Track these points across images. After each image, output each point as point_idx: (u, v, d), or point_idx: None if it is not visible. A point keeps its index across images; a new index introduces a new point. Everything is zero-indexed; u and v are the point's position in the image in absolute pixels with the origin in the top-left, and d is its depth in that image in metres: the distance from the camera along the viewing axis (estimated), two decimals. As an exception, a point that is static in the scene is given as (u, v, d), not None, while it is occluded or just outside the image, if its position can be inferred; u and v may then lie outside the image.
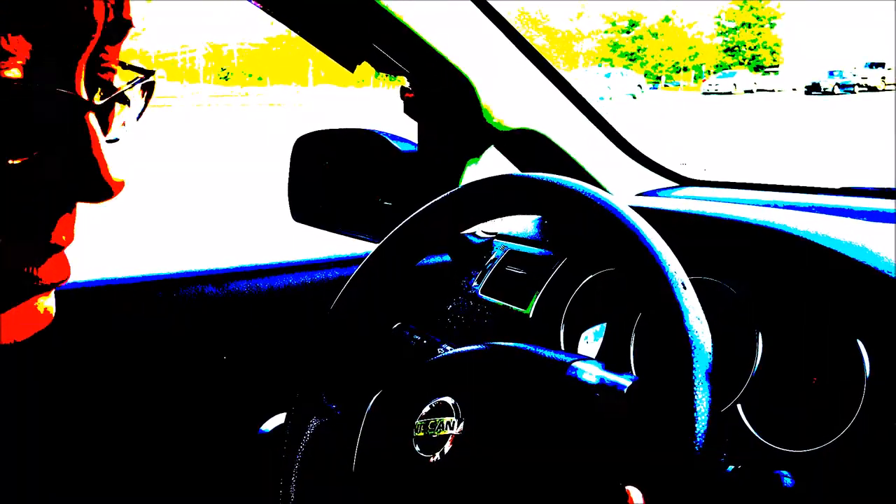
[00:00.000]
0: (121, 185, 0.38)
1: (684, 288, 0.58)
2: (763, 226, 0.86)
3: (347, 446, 0.77)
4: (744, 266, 0.87)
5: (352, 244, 1.26)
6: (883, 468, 0.68)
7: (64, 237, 0.38)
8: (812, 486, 0.71)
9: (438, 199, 0.77)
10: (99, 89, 0.39)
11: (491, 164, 1.17)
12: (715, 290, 0.87)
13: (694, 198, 1.18)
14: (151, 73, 0.41)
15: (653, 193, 1.24)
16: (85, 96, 0.37)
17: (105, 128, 0.39)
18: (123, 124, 0.42)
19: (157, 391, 0.87)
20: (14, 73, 0.32)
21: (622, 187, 1.21)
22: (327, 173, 1.25)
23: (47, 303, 0.40)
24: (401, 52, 1.05)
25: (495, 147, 1.19)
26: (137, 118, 0.42)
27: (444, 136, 1.15)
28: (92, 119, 0.36)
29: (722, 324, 0.80)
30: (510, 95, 1.10)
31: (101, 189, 0.37)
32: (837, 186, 1.10)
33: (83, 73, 0.36)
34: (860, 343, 0.74)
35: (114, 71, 0.40)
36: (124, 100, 0.41)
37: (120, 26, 0.38)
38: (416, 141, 1.17)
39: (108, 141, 0.39)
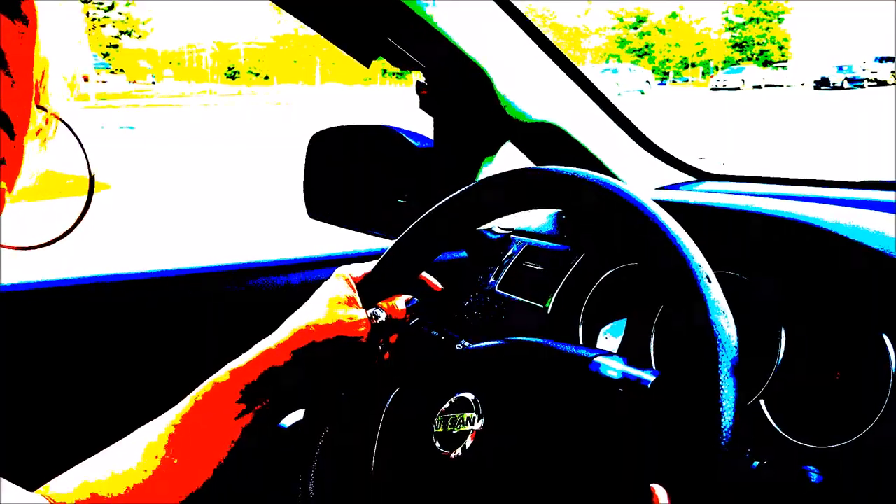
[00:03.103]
0: None
1: (709, 282, 0.58)
2: (787, 218, 0.86)
3: (367, 442, 0.77)
4: (767, 260, 0.86)
5: (369, 240, 1.26)
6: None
7: None
8: (840, 481, 0.70)
9: (456, 194, 0.77)
10: None
11: (506, 159, 1.16)
12: (737, 284, 0.86)
13: (714, 191, 1.17)
14: None
15: (672, 188, 1.23)
16: None
17: None
18: None
19: (177, 385, 0.87)
20: None
21: (641, 181, 1.20)
22: (343, 170, 1.25)
23: None
24: (417, 46, 1.05)
25: (511, 142, 1.18)
26: None
27: (460, 131, 1.14)
28: None
29: (744, 318, 0.79)
30: (527, 89, 1.09)
31: None
32: (858, 180, 1.09)
33: None
34: (885, 337, 0.73)
35: None
36: None
37: None
38: (431, 137, 1.17)
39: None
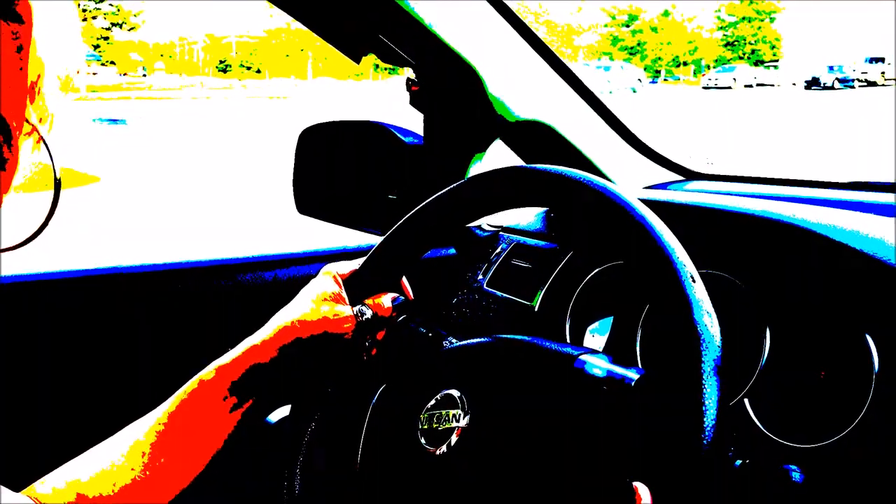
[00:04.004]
0: None
1: (694, 281, 0.58)
2: (772, 219, 0.86)
3: (352, 438, 0.77)
4: (752, 260, 0.87)
5: (358, 235, 1.26)
6: (892, 462, 0.68)
7: None
8: (821, 480, 0.71)
9: (445, 190, 0.77)
10: None
11: (496, 156, 1.17)
12: (723, 283, 0.87)
13: (702, 191, 1.18)
14: None
15: (660, 187, 1.23)
16: None
17: None
18: None
19: (163, 382, 0.87)
20: None
21: (629, 180, 1.21)
22: (333, 166, 1.25)
23: None
24: (408, 43, 1.05)
25: (501, 139, 1.18)
26: None
27: (450, 128, 1.14)
28: None
29: (729, 317, 0.80)
30: (518, 87, 1.09)
31: None
32: (845, 181, 1.09)
33: None
34: (868, 337, 0.74)
35: None
36: None
37: None
38: (421, 133, 1.17)
39: None
